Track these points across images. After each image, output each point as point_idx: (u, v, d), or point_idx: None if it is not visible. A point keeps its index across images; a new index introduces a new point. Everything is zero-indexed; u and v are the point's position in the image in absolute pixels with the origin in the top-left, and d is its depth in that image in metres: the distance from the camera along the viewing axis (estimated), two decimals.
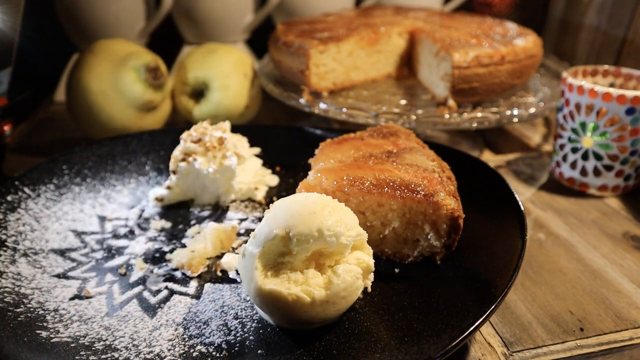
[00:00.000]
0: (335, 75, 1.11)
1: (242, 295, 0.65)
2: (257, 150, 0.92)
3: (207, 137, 0.83)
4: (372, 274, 0.60)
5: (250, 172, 0.88)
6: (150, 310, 0.63)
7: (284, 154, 0.97)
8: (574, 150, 0.93)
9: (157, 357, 0.56)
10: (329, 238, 0.55)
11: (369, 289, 0.60)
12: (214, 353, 0.56)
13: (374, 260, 0.60)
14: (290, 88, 1.11)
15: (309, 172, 0.72)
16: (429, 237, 0.68)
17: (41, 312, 0.61)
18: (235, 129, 0.94)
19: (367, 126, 0.90)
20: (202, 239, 0.73)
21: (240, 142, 0.88)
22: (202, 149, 0.82)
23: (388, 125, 0.83)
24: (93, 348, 0.56)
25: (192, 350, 0.57)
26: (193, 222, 0.82)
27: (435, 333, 0.57)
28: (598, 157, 0.91)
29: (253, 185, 0.87)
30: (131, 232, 0.79)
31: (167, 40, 1.35)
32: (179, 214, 0.84)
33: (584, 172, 0.93)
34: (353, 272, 0.57)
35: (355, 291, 0.57)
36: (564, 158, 0.96)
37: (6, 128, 0.95)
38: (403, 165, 0.71)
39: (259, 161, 0.92)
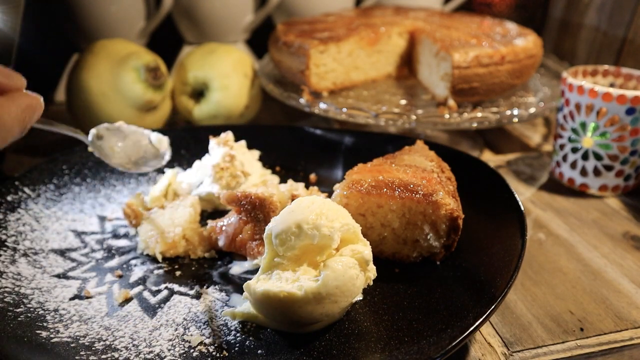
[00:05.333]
0: (335, 75, 1.11)
1: (242, 295, 0.65)
2: (257, 154, 0.92)
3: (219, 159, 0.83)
4: (373, 266, 0.59)
5: (255, 175, 0.87)
6: (150, 310, 0.63)
7: (284, 154, 0.97)
8: (574, 150, 0.93)
9: (157, 357, 0.56)
10: (309, 231, 0.55)
11: (371, 282, 0.59)
12: (214, 353, 0.56)
13: (370, 252, 0.58)
14: (290, 88, 1.10)
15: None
16: (429, 237, 0.68)
17: (41, 312, 0.61)
18: (235, 129, 0.94)
19: (367, 126, 0.90)
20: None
21: (245, 155, 0.87)
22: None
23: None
24: (93, 348, 0.56)
25: (192, 350, 0.57)
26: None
27: (435, 333, 0.57)
28: (598, 157, 0.91)
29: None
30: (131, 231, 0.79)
31: (167, 40, 1.35)
32: None
33: (584, 172, 0.93)
34: (344, 261, 0.56)
35: (350, 281, 0.56)
36: (564, 158, 0.96)
37: None
38: (401, 166, 0.71)
39: (259, 163, 0.92)
